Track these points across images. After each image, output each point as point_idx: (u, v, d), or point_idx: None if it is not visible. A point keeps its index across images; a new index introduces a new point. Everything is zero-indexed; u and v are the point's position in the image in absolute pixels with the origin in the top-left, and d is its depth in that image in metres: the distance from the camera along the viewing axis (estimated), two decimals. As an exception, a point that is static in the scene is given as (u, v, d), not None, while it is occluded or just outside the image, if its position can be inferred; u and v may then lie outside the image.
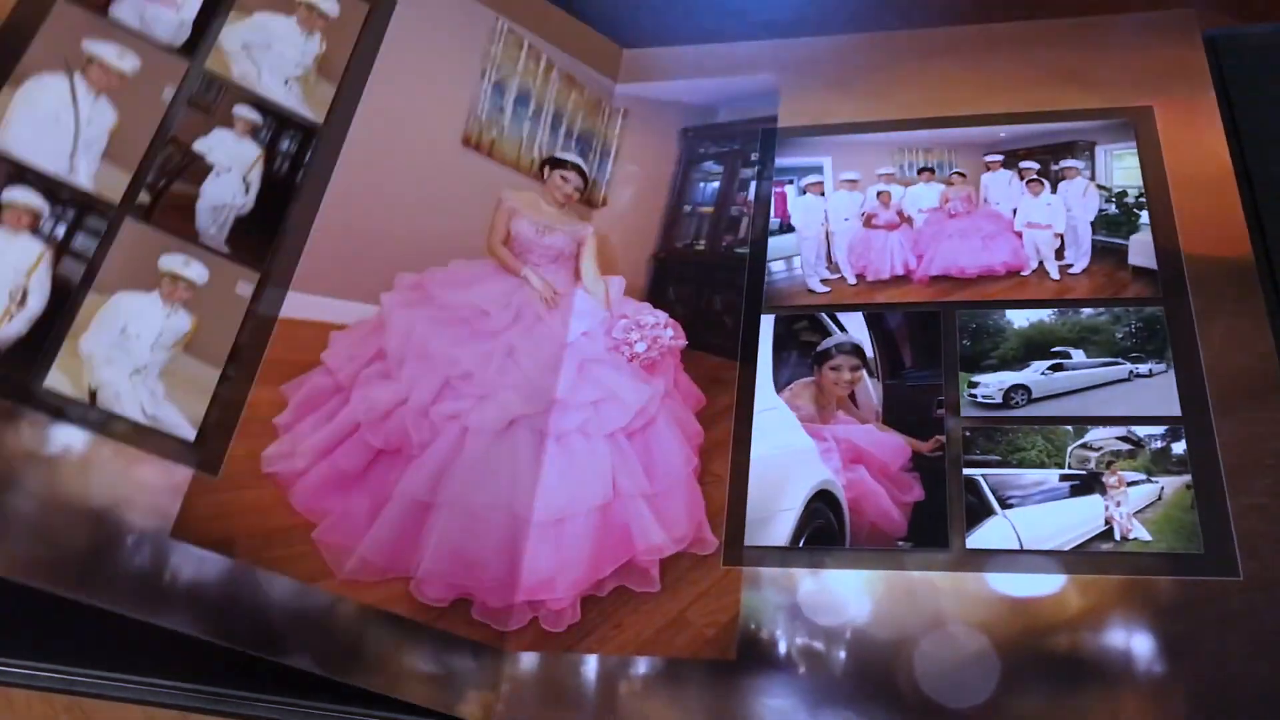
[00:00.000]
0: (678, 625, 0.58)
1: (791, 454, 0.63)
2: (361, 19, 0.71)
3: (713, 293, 0.71)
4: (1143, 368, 0.60)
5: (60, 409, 0.54)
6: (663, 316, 0.69)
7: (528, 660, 0.57)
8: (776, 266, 0.70)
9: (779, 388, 0.65)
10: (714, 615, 0.58)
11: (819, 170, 0.74)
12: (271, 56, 0.67)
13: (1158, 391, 0.60)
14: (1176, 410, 0.59)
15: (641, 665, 0.57)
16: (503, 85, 0.76)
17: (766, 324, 0.67)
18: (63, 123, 0.60)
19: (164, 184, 0.61)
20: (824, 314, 0.68)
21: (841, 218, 0.72)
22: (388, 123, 0.70)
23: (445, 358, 0.66)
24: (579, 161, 0.75)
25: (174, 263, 0.59)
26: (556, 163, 0.75)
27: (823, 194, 0.73)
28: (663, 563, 0.61)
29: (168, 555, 0.53)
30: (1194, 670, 0.51)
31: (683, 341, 0.69)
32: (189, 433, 0.56)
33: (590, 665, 0.57)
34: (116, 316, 0.56)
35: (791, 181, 0.73)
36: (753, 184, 0.74)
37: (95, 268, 0.57)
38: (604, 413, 0.66)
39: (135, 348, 0.56)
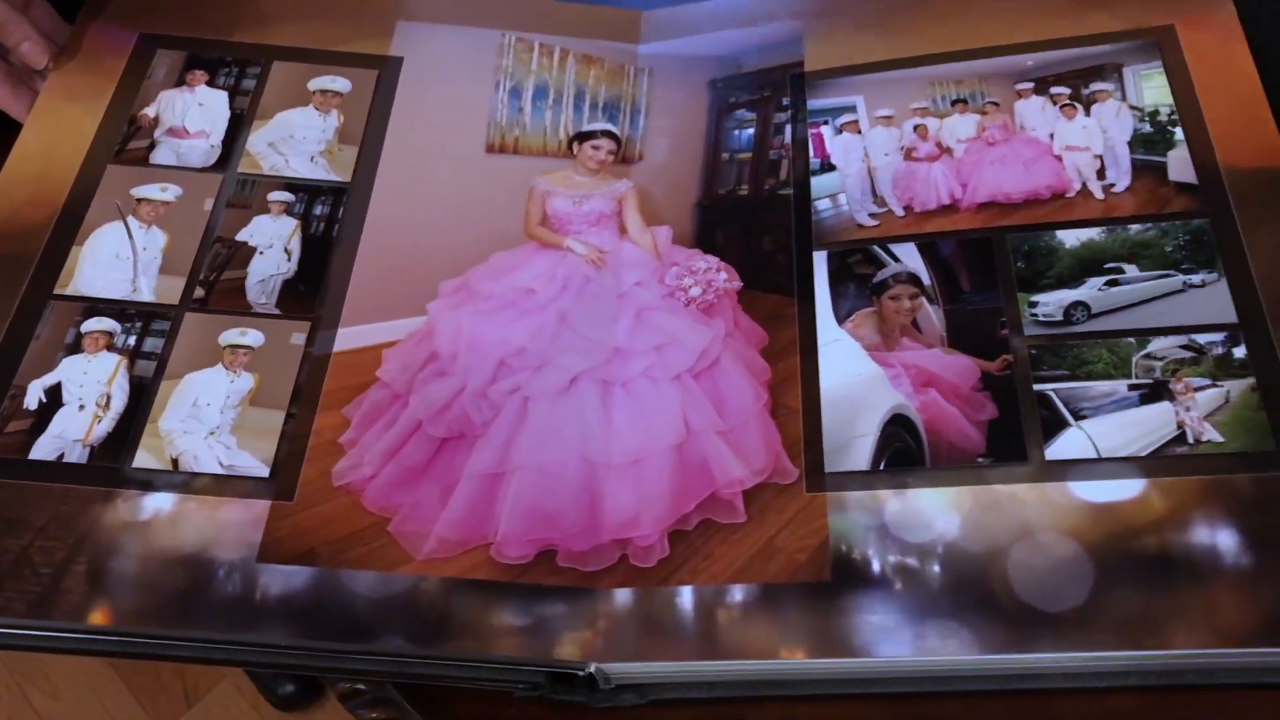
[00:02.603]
0: (769, 552, 0.58)
1: (861, 382, 0.62)
2: (373, 84, 0.73)
3: (761, 234, 0.70)
4: (1195, 278, 0.61)
5: (148, 481, 0.58)
6: (715, 261, 0.68)
7: (622, 597, 0.56)
8: (822, 205, 0.69)
9: (840, 320, 0.65)
10: (804, 540, 0.58)
11: (853, 109, 0.73)
12: (295, 144, 0.71)
13: (1212, 299, 0.60)
14: (1233, 317, 0.59)
15: (738, 593, 0.57)
16: (519, 88, 0.75)
17: (820, 260, 0.67)
18: (122, 258, 0.67)
19: (215, 276, 0.66)
20: (876, 246, 0.68)
21: (881, 153, 0.71)
22: (412, 159, 0.71)
23: (496, 341, 0.65)
24: (608, 127, 0.73)
25: (231, 336, 0.64)
26: (583, 136, 0.73)
27: (859, 132, 0.72)
28: (746, 495, 0.60)
29: (256, 578, 0.55)
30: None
31: (738, 284, 0.67)
32: (264, 471, 0.59)
33: (685, 596, 0.56)
34: (187, 393, 0.62)
35: (826, 122, 0.73)
36: (788, 128, 0.73)
37: (165, 360, 0.63)
38: (667, 357, 0.65)
39: (207, 415, 0.61)
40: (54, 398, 0.61)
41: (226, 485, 0.59)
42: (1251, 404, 0.56)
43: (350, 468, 0.61)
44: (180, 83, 0.73)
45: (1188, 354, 0.59)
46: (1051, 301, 0.62)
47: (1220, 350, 0.58)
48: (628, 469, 0.61)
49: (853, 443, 0.60)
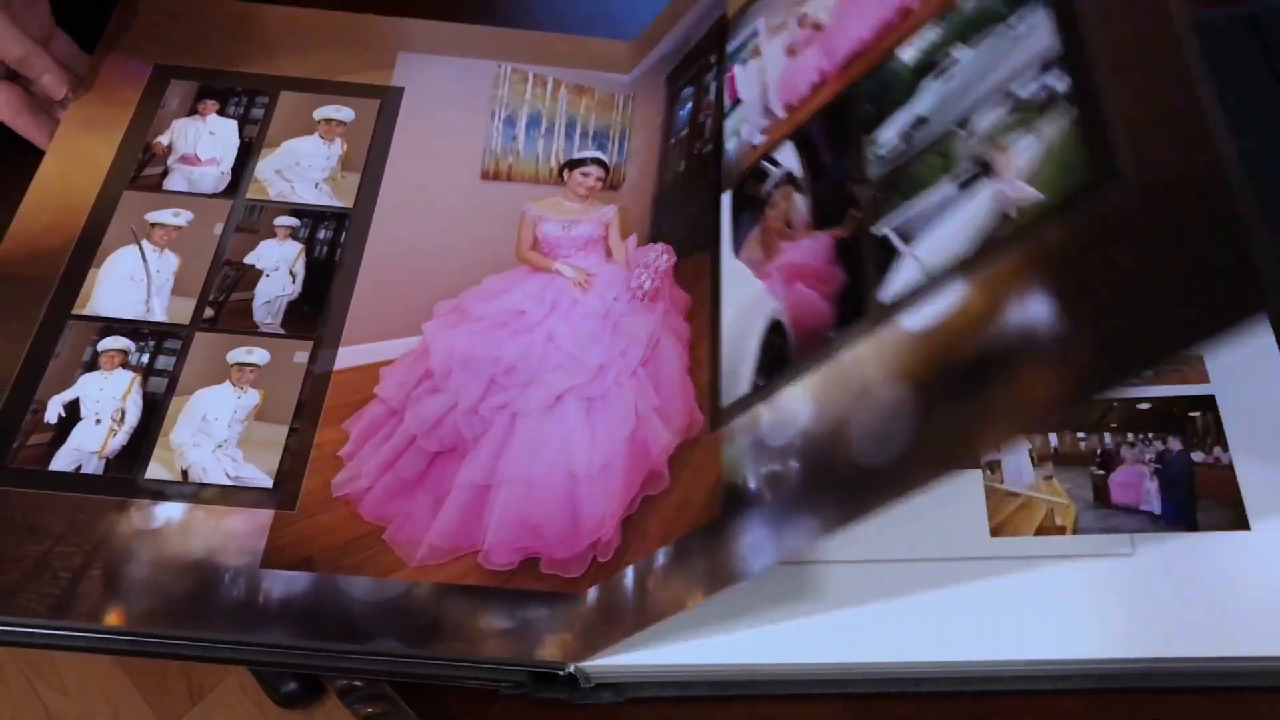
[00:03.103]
0: (681, 508, 0.55)
1: (746, 304, 0.57)
2: (375, 113, 0.77)
3: (690, 202, 0.68)
4: (1021, 26, 0.49)
5: (160, 492, 0.62)
6: (659, 247, 0.67)
7: (591, 595, 0.56)
8: (730, 144, 0.65)
9: (738, 253, 0.61)
10: (706, 483, 0.54)
11: (755, 35, 0.69)
12: (301, 171, 0.75)
13: (1035, 40, 0.47)
14: (1057, 46, 0.46)
15: (660, 557, 0.54)
16: (513, 117, 0.78)
17: (725, 202, 0.63)
18: (136, 280, 0.70)
19: (224, 297, 0.70)
20: (763, 162, 0.63)
21: (774, 64, 0.66)
22: (411, 186, 0.75)
23: (488, 360, 0.67)
24: (597, 155, 0.75)
25: (239, 354, 0.68)
26: (573, 163, 0.75)
27: (760, 54, 0.68)
28: (669, 459, 0.58)
29: (259, 583, 0.58)
30: (1091, 308, 0.39)
31: (672, 259, 0.66)
32: (267, 483, 0.62)
33: (629, 578, 0.55)
34: (197, 409, 0.66)
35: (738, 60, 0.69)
36: (713, 84, 0.70)
37: (176, 377, 0.67)
38: (628, 355, 0.65)
39: (215, 429, 0.65)
40: (72, 412, 0.66)
41: (233, 496, 0.62)
42: (1074, 140, 0.44)
43: (349, 479, 0.63)
44: (192, 112, 0.76)
45: (1014, 115, 0.48)
46: (890, 132, 0.53)
47: (1042, 94, 0.47)
48: (598, 474, 0.61)
49: (739, 369, 0.55)
